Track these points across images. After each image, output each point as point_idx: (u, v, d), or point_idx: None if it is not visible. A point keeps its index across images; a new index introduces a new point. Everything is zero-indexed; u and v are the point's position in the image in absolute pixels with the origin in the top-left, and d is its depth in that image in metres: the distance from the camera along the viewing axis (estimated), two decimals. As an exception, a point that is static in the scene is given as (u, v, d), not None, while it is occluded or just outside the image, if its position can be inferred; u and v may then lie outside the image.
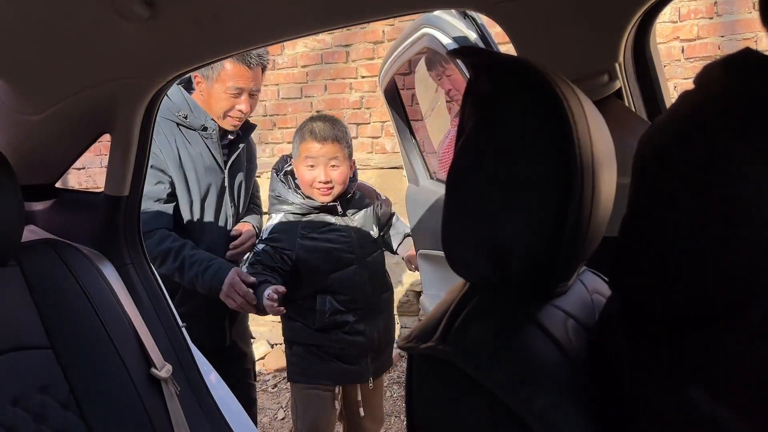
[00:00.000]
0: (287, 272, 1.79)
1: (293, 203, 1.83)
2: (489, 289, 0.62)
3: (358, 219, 1.89)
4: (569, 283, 0.68)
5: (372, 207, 1.94)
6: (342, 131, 1.81)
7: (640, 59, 0.92)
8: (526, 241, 0.58)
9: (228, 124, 1.85)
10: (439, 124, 2.10)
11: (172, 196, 1.79)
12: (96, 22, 1.05)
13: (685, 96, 0.52)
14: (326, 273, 1.81)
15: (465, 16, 1.31)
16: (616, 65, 0.89)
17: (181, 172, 1.80)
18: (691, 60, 3.23)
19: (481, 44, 1.28)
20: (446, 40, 1.34)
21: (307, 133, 1.79)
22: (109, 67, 1.17)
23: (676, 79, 3.26)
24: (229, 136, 1.91)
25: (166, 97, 1.63)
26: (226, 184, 1.90)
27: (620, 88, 0.91)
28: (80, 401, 1.14)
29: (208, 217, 1.87)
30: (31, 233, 1.35)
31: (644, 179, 0.52)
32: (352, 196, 1.89)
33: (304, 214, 1.83)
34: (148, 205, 1.69)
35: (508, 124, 0.59)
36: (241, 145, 1.94)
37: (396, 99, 2.05)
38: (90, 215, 1.40)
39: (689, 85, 0.52)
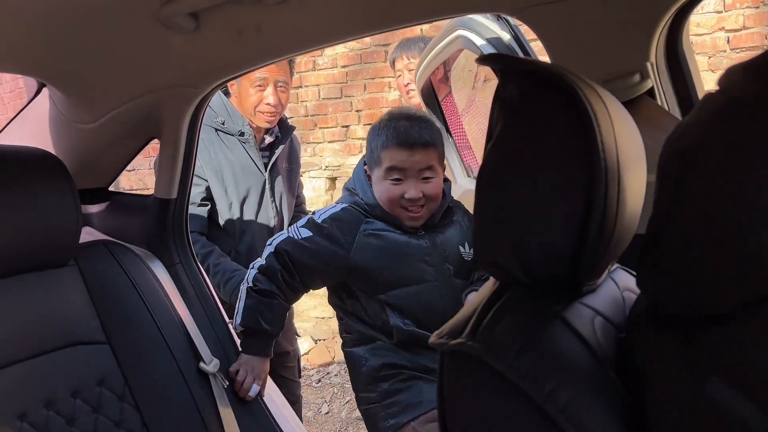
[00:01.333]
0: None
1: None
2: (517, 288, 0.64)
3: (445, 231, 1.47)
4: (599, 281, 0.69)
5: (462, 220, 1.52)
6: (435, 132, 1.40)
7: (672, 58, 0.93)
8: (552, 242, 0.60)
9: (261, 121, 1.87)
10: (476, 121, 2.11)
11: (207, 200, 1.84)
12: (144, 34, 1.11)
13: (707, 98, 0.53)
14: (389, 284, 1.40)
15: (498, 17, 1.33)
16: (648, 64, 0.90)
17: (219, 176, 1.84)
18: (737, 50, 3.14)
19: (514, 45, 1.30)
20: (480, 42, 1.36)
21: (391, 135, 1.36)
22: (157, 76, 1.23)
23: (722, 71, 3.18)
24: (267, 139, 1.95)
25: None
26: (267, 186, 1.93)
27: (653, 87, 0.92)
28: (135, 393, 1.20)
29: (249, 217, 1.91)
30: (87, 235, 1.43)
31: (667, 180, 0.54)
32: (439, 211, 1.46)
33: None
34: None
35: (533, 128, 0.62)
36: (281, 148, 1.97)
37: (432, 98, 2.07)
38: (141, 217, 1.47)
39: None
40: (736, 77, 0.51)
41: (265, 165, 1.94)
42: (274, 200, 1.97)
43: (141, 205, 1.49)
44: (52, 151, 1.28)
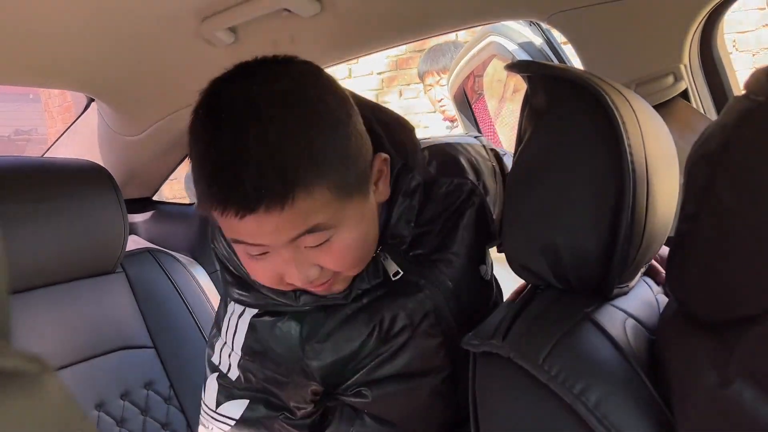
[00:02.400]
0: None
1: None
2: (548, 290, 0.65)
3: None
4: (631, 284, 0.70)
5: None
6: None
7: (707, 59, 0.92)
8: (582, 247, 0.61)
9: None
10: (508, 125, 2.11)
11: None
12: (185, 49, 1.16)
13: (733, 102, 0.53)
14: None
15: (530, 22, 1.34)
16: (682, 66, 0.89)
17: None
18: (784, 47, 3.06)
19: (546, 49, 1.30)
20: (512, 47, 1.37)
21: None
22: (198, 89, 1.27)
23: (767, 68, 3.10)
24: None
25: None
26: None
27: (687, 89, 0.92)
28: (180, 396, 1.25)
29: None
30: (134, 243, 1.49)
31: (694, 184, 0.54)
32: None
33: None
34: None
35: (562, 134, 0.63)
36: None
37: (465, 103, 2.08)
38: (184, 225, 1.52)
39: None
40: (762, 81, 0.51)
41: None
42: None
43: (184, 214, 1.54)
44: (100, 163, 1.34)
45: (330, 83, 0.68)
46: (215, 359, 0.82)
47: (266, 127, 0.60)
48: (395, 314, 0.76)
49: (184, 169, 1.54)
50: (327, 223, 0.64)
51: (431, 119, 4.03)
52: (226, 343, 0.81)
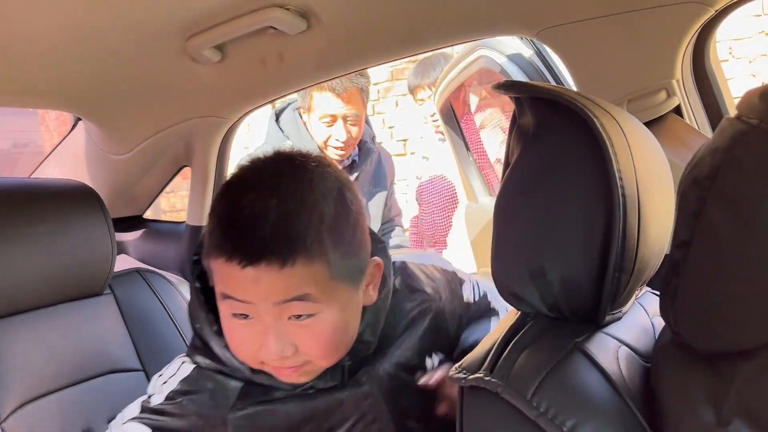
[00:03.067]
0: None
1: None
2: (538, 319, 0.63)
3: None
4: (624, 309, 0.68)
5: None
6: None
7: (700, 74, 0.90)
8: (572, 274, 0.59)
9: (333, 154, 1.71)
10: (495, 140, 2.10)
11: None
12: (172, 67, 1.14)
13: (725, 124, 0.51)
14: None
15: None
16: (674, 82, 0.88)
17: None
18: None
19: (536, 60, 1.29)
20: (501, 59, 1.35)
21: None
22: (186, 107, 1.26)
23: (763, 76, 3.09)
24: (343, 162, 1.76)
25: (276, 126, 1.71)
26: None
27: (680, 105, 0.90)
28: (169, 420, 1.22)
29: None
30: (123, 262, 1.46)
31: (686, 210, 0.52)
32: None
33: None
34: None
35: (550, 157, 0.61)
36: (359, 171, 1.79)
37: (452, 117, 2.07)
38: (174, 244, 1.50)
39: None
40: (754, 103, 0.49)
41: None
42: None
43: (174, 232, 1.52)
44: (88, 182, 1.32)
45: (350, 184, 0.75)
46: (149, 386, 0.86)
47: (287, 198, 0.67)
48: (332, 409, 0.76)
49: (179, 182, 1.52)
50: (317, 296, 0.68)
51: (427, 129, 4.02)
52: (162, 375, 0.84)
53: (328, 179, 0.71)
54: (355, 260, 0.72)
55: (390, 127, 4.22)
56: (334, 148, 1.70)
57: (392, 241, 1.97)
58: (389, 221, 1.98)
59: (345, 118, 1.67)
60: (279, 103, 1.74)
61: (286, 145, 1.67)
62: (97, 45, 1.08)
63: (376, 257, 0.77)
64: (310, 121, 1.71)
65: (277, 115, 1.76)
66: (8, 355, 1.09)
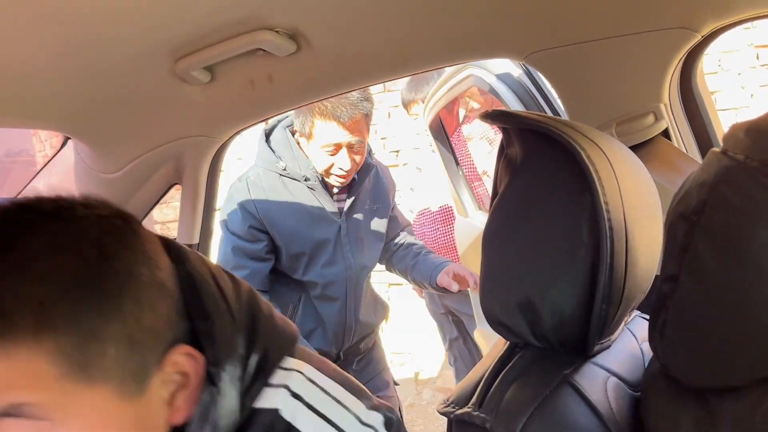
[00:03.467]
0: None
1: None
2: (527, 350, 0.63)
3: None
4: (613, 336, 0.67)
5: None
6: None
7: (687, 98, 0.91)
8: (560, 305, 0.59)
9: (334, 182, 1.63)
10: (486, 152, 2.10)
11: (270, 254, 1.65)
12: (161, 87, 1.14)
13: (710, 158, 0.52)
14: None
15: (511, 56, 1.33)
16: (662, 105, 0.88)
17: (284, 226, 1.62)
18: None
19: (525, 80, 1.29)
20: (491, 78, 1.36)
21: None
22: (175, 127, 1.25)
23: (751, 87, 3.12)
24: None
25: (266, 146, 1.65)
26: (342, 233, 1.68)
27: (668, 128, 0.90)
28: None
29: (323, 267, 1.67)
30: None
31: (674, 243, 0.52)
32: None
33: None
34: (243, 262, 1.61)
35: (537, 186, 0.61)
36: (359, 188, 1.71)
37: (441, 132, 2.08)
38: (165, 262, 1.49)
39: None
40: (739, 137, 0.49)
41: (340, 210, 1.68)
42: (353, 248, 1.72)
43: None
44: (77, 201, 1.31)
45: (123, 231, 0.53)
46: None
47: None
48: None
49: (172, 193, 1.51)
50: (40, 407, 0.45)
51: (420, 141, 4.02)
52: None
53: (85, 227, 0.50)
54: (125, 348, 0.48)
55: (383, 138, 4.22)
56: (337, 176, 1.61)
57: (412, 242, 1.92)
58: (401, 231, 1.91)
59: (350, 147, 1.57)
60: (269, 122, 1.69)
61: (279, 166, 1.62)
62: (85, 65, 1.08)
63: (183, 346, 0.52)
64: (310, 148, 1.60)
65: (267, 135, 1.70)
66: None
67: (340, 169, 1.58)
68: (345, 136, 1.54)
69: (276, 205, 1.61)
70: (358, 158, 1.60)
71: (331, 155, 1.56)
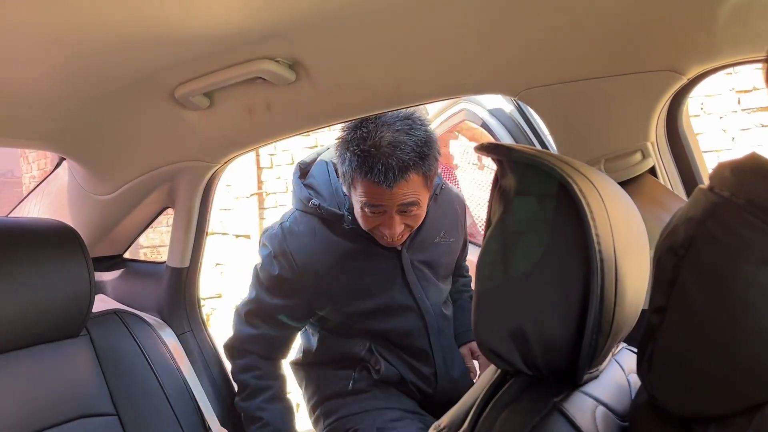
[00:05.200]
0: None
1: None
2: (518, 377, 0.64)
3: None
4: (601, 367, 0.69)
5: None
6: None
7: (673, 137, 0.94)
8: (551, 334, 0.60)
9: (382, 242, 1.31)
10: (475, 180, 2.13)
11: (292, 321, 1.39)
12: (160, 112, 1.16)
13: (698, 195, 0.54)
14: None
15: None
16: (649, 144, 0.91)
17: (329, 278, 1.33)
18: (748, 111, 3.16)
19: (517, 115, 1.33)
20: (483, 113, 1.39)
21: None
22: (172, 151, 1.27)
23: (732, 132, 3.20)
24: None
25: (301, 185, 1.35)
26: (403, 274, 1.37)
27: (654, 166, 0.93)
28: (141, 466, 1.19)
29: (381, 323, 1.37)
30: (101, 302, 1.45)
31: (662, 276, 0.54)
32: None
33: None
34: (255, 320, 1.39)
35: (530, 218, 0.63)
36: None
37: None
38: (154, 285, 1.49)
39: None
40: (725, 176, 0.51)
41: (398, 251, 1.36)
42: (413, 295, 1.38)
43: (154, 272, 1.51)
44: (69, 221, 1.32)
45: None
46: None
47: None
48: None
49: (159, 218, 1.52)
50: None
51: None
52: None
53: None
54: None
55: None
56: (383, 238, 1.28)
57: None
58: (461, 276, 1.65)
59: (400, 210, 1.23)
60: (304, 156, 1.46)
61: (317, 206, 1.32)
62: (87, 88, 1.09)
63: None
64: (353, 199, 1.27)
65: (304, 171, 1.40)
66: (-22, 399, 1.06)
67: (385, 234, 1.25)
68: (390, 199, 1.20)
69: (318, 253, 1.32)
70: (412, 221, 1.27)
71: (374, 216, 1.24)
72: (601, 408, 0.63)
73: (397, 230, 1.24)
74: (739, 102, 3.17)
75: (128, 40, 0.90)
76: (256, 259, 1.40)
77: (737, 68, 3.15)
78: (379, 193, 1.18)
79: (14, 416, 1.09)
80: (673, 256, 0.52)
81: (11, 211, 1.50)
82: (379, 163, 1.14)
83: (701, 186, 0.54)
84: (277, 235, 1.34)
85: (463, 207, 1.52)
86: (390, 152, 1.14)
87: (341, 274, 1.33)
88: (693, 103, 3.20)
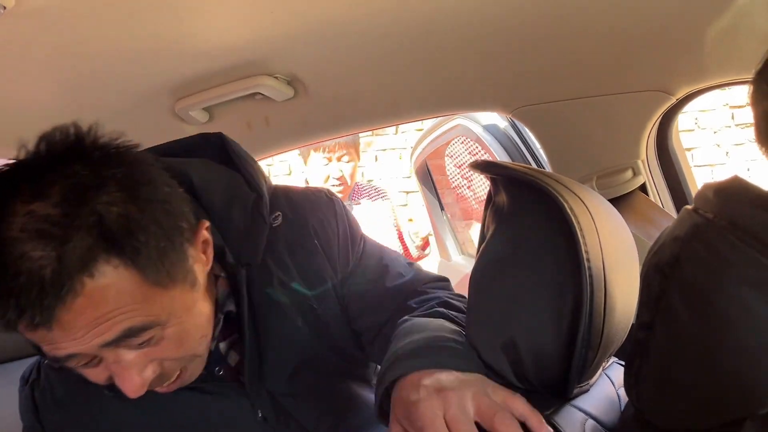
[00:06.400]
0: None
1: None
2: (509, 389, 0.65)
3: None
4: (592, 381, 0.70)
5: None
6: None
7: (663, 155, 0.96)
8: (541, 349, 0.62)
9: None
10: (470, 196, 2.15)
11: None
12: (160, 126, 1.17)
13: (684, 215, 0.55)
14: None
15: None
16: (639, 162, 0.93)
17: None
18: (742, 126, 3.20)
19: (511, 131, 1.35)
20: (477, 129, 1.42)
21: None
22: (171, 164, 1.28)
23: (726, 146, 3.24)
24: None
25: None
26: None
27: (645, 183, 0.95)
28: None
29: None
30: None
31: (649, 293, 0.55)
32: None
33: None
34: None
35: (521, 235, 0.64)
36: None
37: (427, 177, 2.13)
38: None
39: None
40: (709, 197, 0.53)
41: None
42: None
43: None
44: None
45: None
46: None
47: None
48: None
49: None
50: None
51: (408, 184, 4.09)
52: None
53: None
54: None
55: (369, 181, 4.28)
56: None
57: None
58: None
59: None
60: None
61: None
62: (88, 102, 1.11)
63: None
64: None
65: None
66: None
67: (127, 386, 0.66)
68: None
69: None
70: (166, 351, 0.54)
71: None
72: (590, 421, 0.64)
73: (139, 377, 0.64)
74: (732, 117, 3.21)
75: (129, 55, 0.92)
76: None
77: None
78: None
79: (13, 426, 1.09)
80: (659, 274, 0.54)
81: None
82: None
83: (687, 207, 0.56)
84: None
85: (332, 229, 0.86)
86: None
87: None
88: (687, 118, 3.24)
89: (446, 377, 0.61)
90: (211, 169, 0.80)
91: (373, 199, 2.13)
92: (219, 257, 0.74)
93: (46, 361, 0.73)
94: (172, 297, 0.62)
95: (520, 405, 0.59)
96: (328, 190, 0.87)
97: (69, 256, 0.54)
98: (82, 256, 0.55)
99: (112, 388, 0.65)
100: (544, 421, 0.58)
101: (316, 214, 0.83)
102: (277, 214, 0.81)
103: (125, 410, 0.76)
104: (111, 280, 0.56)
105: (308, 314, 0.80)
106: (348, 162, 1.91)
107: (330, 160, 1.87)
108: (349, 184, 1.95)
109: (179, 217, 0.63)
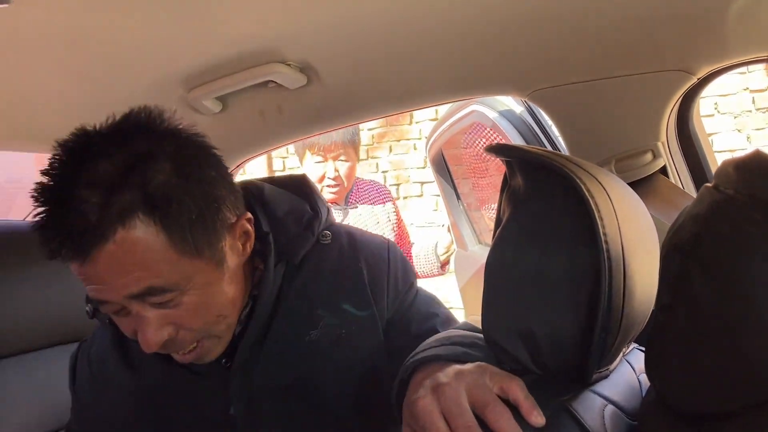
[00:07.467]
0: None
1: None
2: (526, 376, 0.64)
3: None
4: (611, 366, 0.69)
5: None
6: None
7: (684, 137, 0.94)
8: (559, 331, 0.60)
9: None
10: (486, 185, 2.13)
11: None
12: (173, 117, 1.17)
13: (703, 193, 0.54)
14: None
15: (513, 93, 1.37)
16: (659, 144, 0.91)
17: None
18: (763, 110, 3.14)
19: (527, 117, 1.33)
20: (493, 114, 1.40)
21: None
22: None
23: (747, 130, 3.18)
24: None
25: None
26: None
27: (665, 166, 0.93)
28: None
29: None
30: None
31: (668, 274, 0.54)
32: None
33: None
34: None
35: (538, 218, 0.63)
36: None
37: (443, 166, 2.11)
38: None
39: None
40: (729, 173, 0.52)
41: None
42: None
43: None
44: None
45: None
46: None
47: None
48: None
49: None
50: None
51: (422, 175, 4.08)
52: None
53: None
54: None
55: (384, 172, 4.27)
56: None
57: None
58: None
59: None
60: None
61: None
62: (100, 92, 1.11)
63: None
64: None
65: None
66: (-4, 397, 1.08)
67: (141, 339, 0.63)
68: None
69: None
70: (183, 319, 0.75)
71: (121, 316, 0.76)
72: (610, 407, 0.63)
73: (154, 335, 0.70)
74: (753, 101, 3.15)
75: (141, 45, 0.92)
76: None
77: (751, 68, 3.13)
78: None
79: (31, 416, 1.10)
80: (679, 254, 0.53)
81: (28, 215, 1.52)
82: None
83: (707, 184, 0.54)
84: None
85: (381, 257, 0.89)
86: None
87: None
88: (707, 103, 3.19)
89: (443, 373, 0.62)
90: (283, 191, 0.89)
91: (374, 202, 2.01)
92: (265, 257, 0.81)
93: (92, 310, 0.82)
94: (195, 268, 0.69)
95: (515, 390, 0.58)
96: (389, 239, 0.93)
97: (111, 205, 0.64)
98: (123, 208, 0.64)
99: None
100: (537, 407, 0.57)
101: (371, 249, 0.88)
102: (326, 233, 0.88)
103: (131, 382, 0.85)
104: (141, 235, 0.65)
105: (329, 334, 0.81)
106: (345, 162, 1.79)
107: (325, 159, 1.76)
108: (345, 185, 1.83)
109: (218, 199, 0.71)
